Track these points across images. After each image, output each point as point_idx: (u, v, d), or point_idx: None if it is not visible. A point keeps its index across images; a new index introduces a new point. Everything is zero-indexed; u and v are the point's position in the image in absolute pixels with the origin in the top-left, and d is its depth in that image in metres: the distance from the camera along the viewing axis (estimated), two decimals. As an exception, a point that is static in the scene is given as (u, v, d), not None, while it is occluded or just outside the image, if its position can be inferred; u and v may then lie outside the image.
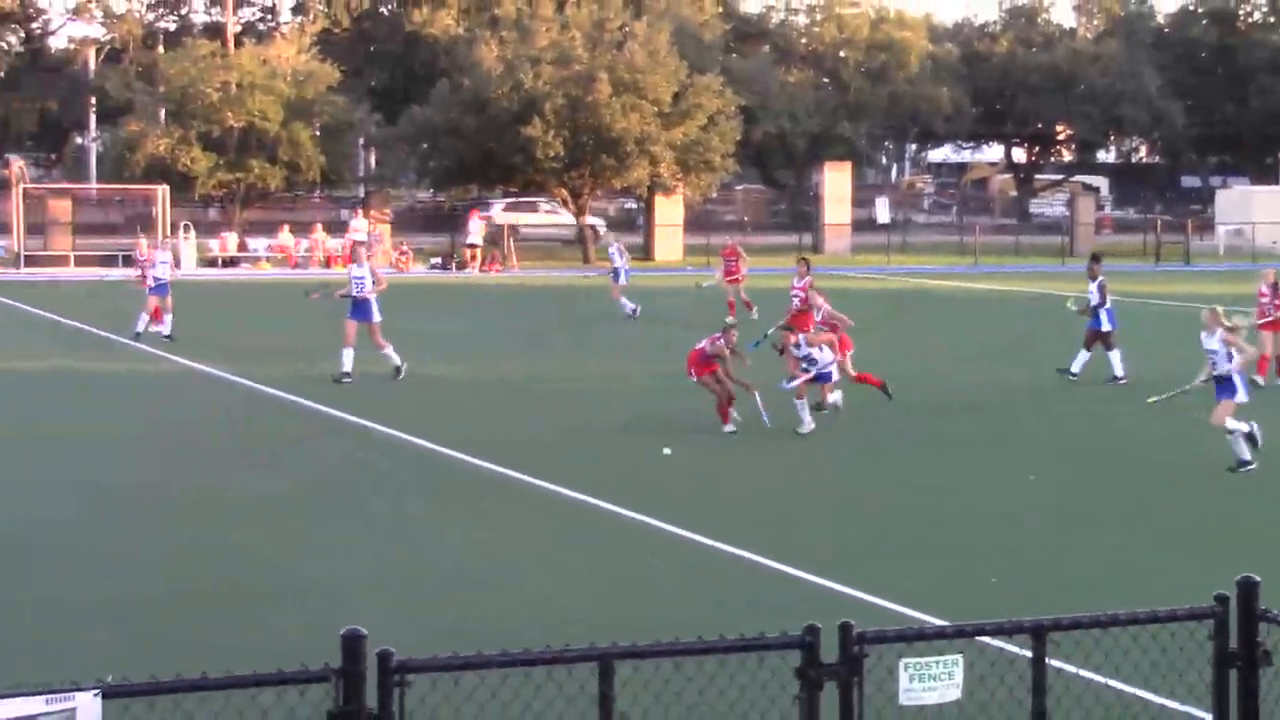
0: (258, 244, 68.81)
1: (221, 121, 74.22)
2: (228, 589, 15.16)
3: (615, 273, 44.72)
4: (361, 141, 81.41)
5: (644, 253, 68.14)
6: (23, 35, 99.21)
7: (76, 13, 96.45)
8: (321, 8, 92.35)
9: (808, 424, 23.72)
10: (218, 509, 18.77)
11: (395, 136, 78.26)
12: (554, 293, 55.18)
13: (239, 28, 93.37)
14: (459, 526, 18.31)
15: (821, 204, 77.99)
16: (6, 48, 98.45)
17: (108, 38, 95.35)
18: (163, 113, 78.22)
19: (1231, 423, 21.29)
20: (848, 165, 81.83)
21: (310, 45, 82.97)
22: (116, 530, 17.77)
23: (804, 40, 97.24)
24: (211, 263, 65.83)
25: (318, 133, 77.21)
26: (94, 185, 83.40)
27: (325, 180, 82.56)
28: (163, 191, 68.24)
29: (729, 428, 23.65)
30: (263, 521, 18.22)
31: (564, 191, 73.75)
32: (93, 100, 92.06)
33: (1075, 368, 30.01)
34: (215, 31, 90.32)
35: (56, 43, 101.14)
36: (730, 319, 26.87)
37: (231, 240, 68.57)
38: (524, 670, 7.40)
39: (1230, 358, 21.39)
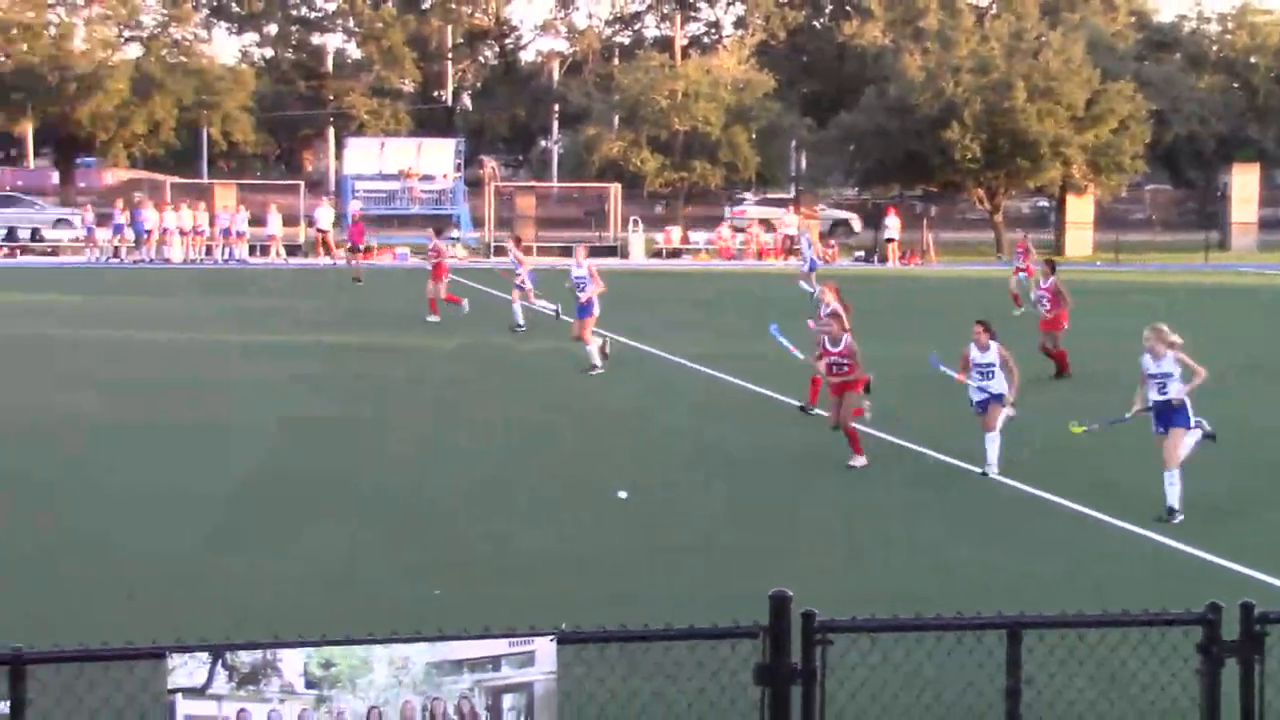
0: (698, 237, 69.74)
1: (669, 126, 75.59)
2: (681, 545, 15.36)
3: (810, 263, 44.66)
4: (793, 144, 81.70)
5: (1055, 249, 66.72)
6: (497, 50, 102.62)
7: (544, 29, 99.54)
8: (760, 22, 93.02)
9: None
10: (697, 475, 19.03)
11: (825, 139, 78.38)
12: (963, 285, 54.37)
13: (686, 41, 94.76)
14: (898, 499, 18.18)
15: (1229, 203, 75.62)
16: (483, 61, 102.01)
17: (570, 51, 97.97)
18: (616, 118, 79.91)
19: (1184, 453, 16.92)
20: (1256, 166, 78.99)
21: (749, 57, 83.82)
22: (582, 491, 18.13)
23: (1215, 47, 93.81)
24: (657, 254, 66.96)
25: (754, 136, 77.87)
26: (555, 184, 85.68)
27: (760, 180, 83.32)
28: (615, 189, 69.80)
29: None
30: (717, 489, 18.41)
31: (980, 190, 72.97)
32: (556, 107, 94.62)
33: None
34: (665, 45, 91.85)
35: (526, 56, 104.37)
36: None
37: (675, 234, 69.62)
38: (935, 634, 7.35)
39: (1183, 381, 16.81)
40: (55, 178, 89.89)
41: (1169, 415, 16.79)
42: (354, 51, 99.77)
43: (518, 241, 39.68)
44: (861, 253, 67.73)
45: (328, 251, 60.25)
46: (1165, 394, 16.77)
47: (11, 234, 64.51)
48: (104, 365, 29.03)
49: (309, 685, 6.28)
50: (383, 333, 34.94)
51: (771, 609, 6.72)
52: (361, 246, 52.67)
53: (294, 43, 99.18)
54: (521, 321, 34.92)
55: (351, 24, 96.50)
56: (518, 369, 29.61)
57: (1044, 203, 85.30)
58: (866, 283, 48.26)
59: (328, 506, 16.90)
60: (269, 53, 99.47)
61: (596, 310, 29.05)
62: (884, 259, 65.12)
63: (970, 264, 65.21)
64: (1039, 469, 19.25)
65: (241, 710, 6.23)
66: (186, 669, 6.19)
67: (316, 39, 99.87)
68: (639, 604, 12.47)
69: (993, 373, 19.30)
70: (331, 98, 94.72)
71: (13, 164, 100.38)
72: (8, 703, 6.26)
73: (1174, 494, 16.58)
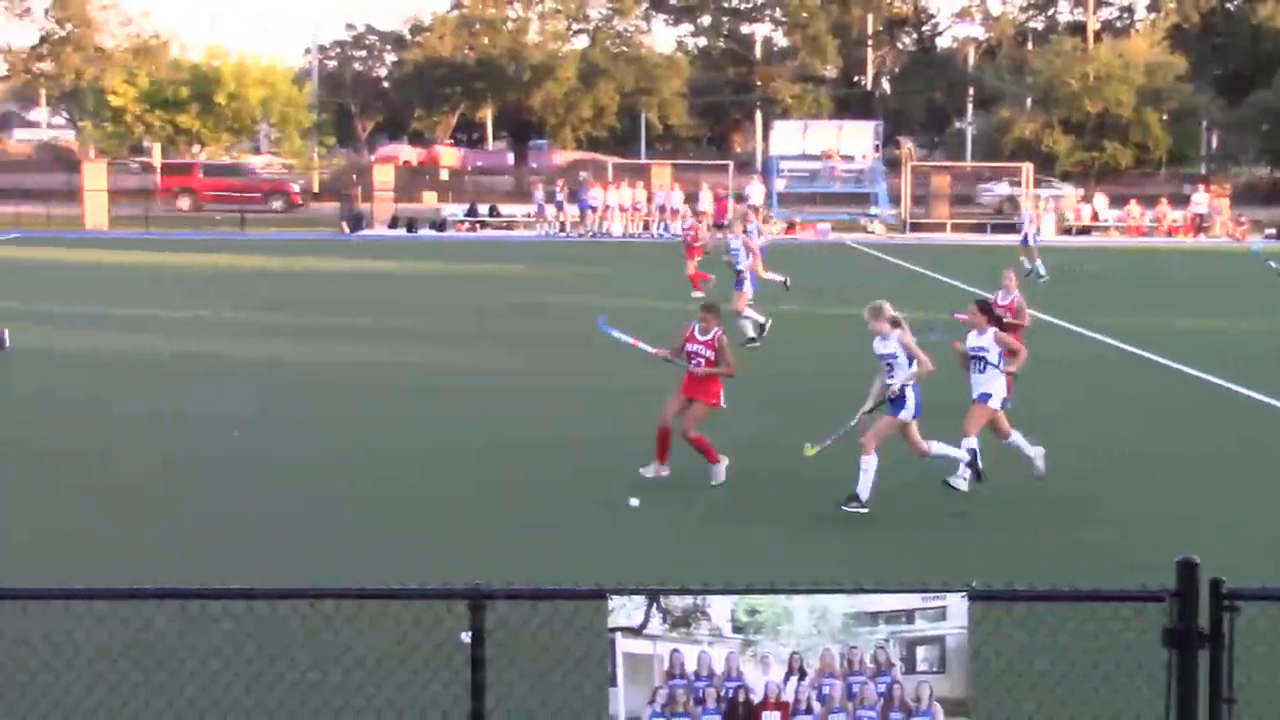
0: (1108, 215, 67.68)
1: (1081, 108, 73.62)
2: (1084, 509, 15.01)
3: (1025, 238, 42.64)
4: (1205, 124, 78.53)
5: None
6: (915, 36, 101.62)
7: (961, 15, 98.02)
8: (1173, 4, 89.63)
9: None
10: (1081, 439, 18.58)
11: (1238, 119, 75.05)
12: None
13: (1098, 25, 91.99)
14: None
15: None
16: (901, 47, 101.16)
17: (986, 37, 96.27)
18: (1029, 101, 78.22)
19: (939, 446, 14.81)
20: None
21: (1161, 39, 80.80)
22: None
23: None
24: (1066, 231, 65.29)
25: (1165, 117, 75.14)
26: (968, 163, 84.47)
27: (1170, 159, 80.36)
28: (1026, 169, 68.35)
29: None
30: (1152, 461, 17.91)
31: None
32: (970, 91, 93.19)
33: None
34: (1077, 29, 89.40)
35: (942, 42, 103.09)
36: None
37: (1085, 211, 67.73)
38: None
39: (910, 364, 14.38)
40: (510, 159, 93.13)
41: (890, 403, 14.48)
42: (781, 40, 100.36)
43: (755, 212, 39.24)
44: (1273, 230, 64.57)
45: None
46: (891, 379, 14.48)
47: (472, 210, 67.15)
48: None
49: (735, 630, 6.36)
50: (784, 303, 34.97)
51: (1179, 574, 6.49)
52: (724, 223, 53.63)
53: (725, 32, 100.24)
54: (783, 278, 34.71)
55: (779, 14, 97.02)
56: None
57: None
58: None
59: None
60: (702, 42, 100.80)
61: (750, 284, 28.16)
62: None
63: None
64: None
65: (674, 651, 6.34)
66: (625, 610, 6.34)
67: (746, 29, 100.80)
68: (1039, 564, 12.21)
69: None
70: (759, 83, 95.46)
71: (474, 147, 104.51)
72: (469, 633, 6.53)
73: (959, 478, 15.06)
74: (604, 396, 21.51)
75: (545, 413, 20.33)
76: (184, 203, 70.37)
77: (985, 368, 15.39)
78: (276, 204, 70.55)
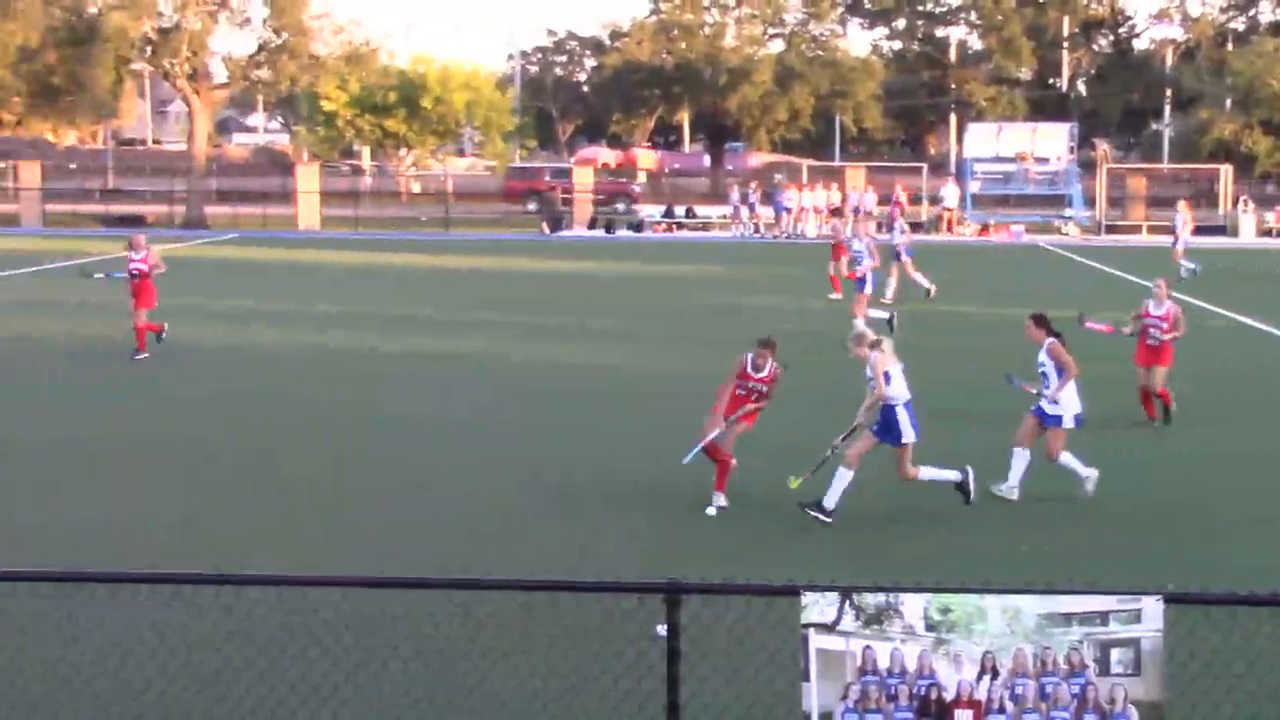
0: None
1: (1281, 109, 71.54)
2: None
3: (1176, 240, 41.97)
4: None
5: None
6: (1111, 39, 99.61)
7: (1159, 17, 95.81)
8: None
9: None
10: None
11: None
12: None
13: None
14: None
15: None
16: (1097, 49, 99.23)
17: (1185, 38, 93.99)
18: (1228, 102, 76.23)
19: (929, 471, 14.22)
20: None
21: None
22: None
23: None
24: (1266, 233, 63.50)
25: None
26: (1165, 165, 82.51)
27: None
28: (1225, 170, 66.66)
29: None
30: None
31: None
32: (1168, 92, 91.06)
33: None
34: (1279, 29, 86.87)
35: (1139, 44, 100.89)
36: None
37: (1288, 213, 65.83)
38: None
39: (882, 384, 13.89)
40: (706, 161, 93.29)
41: (883, 431, 13.93)
42: (975, 43, 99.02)
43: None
44: None
45: (948, 228, 61.36)
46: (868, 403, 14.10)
47: (669, 211, 67.41)
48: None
49: (928, 628, 6.32)
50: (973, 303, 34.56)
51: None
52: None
53: (920, 35, 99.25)
54: (928, 285, 34.44)
55: (974, 17, 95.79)
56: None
57: None
58: None
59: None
60: (897, 45, 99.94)
61: (870, 287, 28.32)
62: None
63: None
64: None
65: (866, 647, 6.33)
66: (818, 606, 6.34)
67: (940, 32, 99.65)
68: (1231, 568, 11.92)
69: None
70: (953, 86, 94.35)
71: (671, 149, 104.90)
72: (664, 627, 6.58)
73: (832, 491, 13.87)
74: (800, 397, 21.44)
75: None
76: (532, 205, 71.32)
77: (1047, 384, 14.82)
78: (619, 205, 71.18)
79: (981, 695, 6.31)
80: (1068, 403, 14.75)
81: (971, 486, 14.31)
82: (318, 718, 8.68)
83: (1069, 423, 14.77)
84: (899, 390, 13.88)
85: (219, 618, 9.96)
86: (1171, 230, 45.11)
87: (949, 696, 6.32)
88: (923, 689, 6.32)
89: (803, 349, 21.70)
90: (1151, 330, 18.93)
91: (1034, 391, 15.10)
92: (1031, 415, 14.91)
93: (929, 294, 34.31)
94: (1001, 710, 6.31)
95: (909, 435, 13.89)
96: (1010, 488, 14.75)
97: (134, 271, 24.74)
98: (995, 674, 6.30)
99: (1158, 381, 18.73)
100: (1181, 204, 46.23)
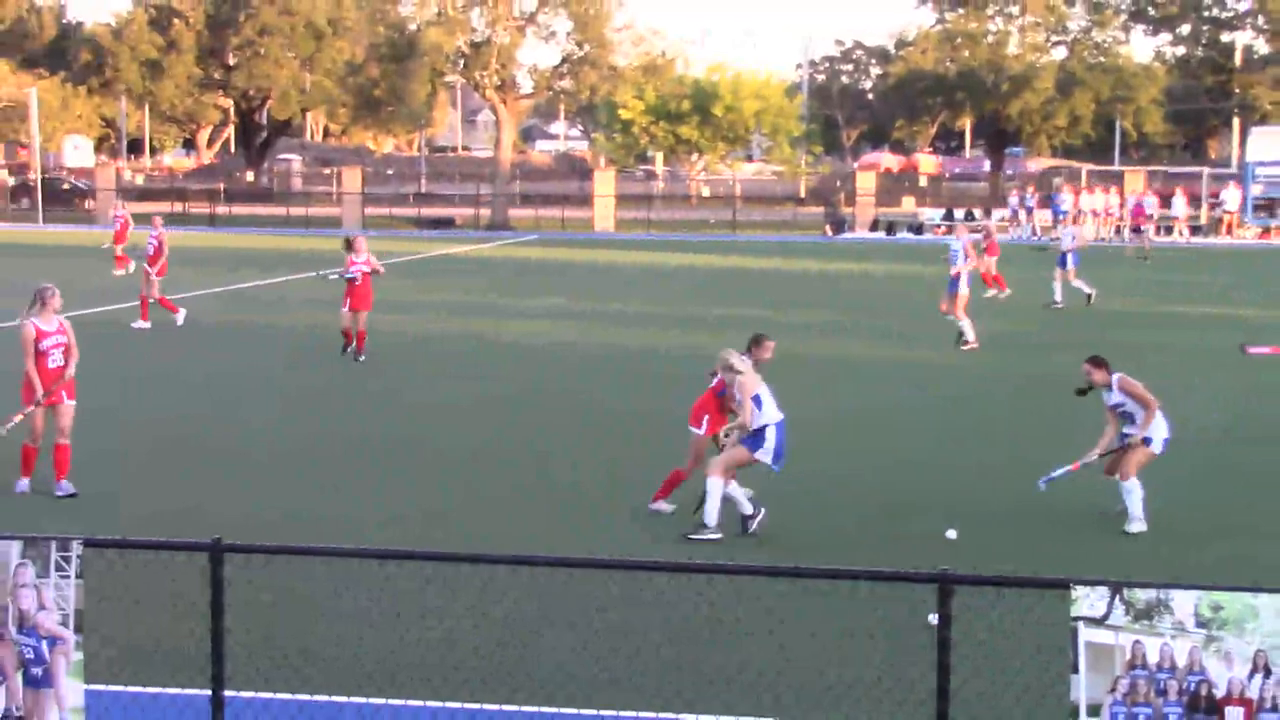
0: None
1: None
2: None
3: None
4: None
5: None
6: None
7: None
8: None
9: None
10: None
11: None
12: None
13: None
14: None
15: None
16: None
17: None
18: None
19: (736, 490, 13.11)
20: None
21: None
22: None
23: None
24: None
25: None
26: None
27: None
28: None
29: None
30: None
31: None
32: None
33: None
34: None
35: None
36: None
37: None
38: None
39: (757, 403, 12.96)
40: (986, 166, 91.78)
41: (750, 437, 12.99)
42: (1262, 47, 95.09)
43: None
44: None
45: (1228, 231, 59.41)
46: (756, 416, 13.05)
47: (949, 214, 66.57)
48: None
49: (1199, 625, 6.14)
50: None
51: None
52: (1142, 228, 51.83)
53: (1204, 41, 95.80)
54: (1059, 299, 33.24)
55: (1261, 21, 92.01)
56: None
57: None
58: None
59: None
60: (1180, 51, 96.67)
61: (965, 287, 26.53)
62: None
63: None
64: None
65: (1136, 642, 6.18)
66: (1089, 600, 6.22)
67: (1226, 36, 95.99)
68: None
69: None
70: (1237, 90, 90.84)
71: (952, 154, 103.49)
72: (936, 616, 6.52)
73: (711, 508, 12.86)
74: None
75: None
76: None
77: (1134, 419, 13.55)
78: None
79: (1254, 693, 6.11)
80: (1156, 428, 13.58)
81: (754, 525, 13.18)
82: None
83: (1157, 447, 13.54)
84: (770, 413, 13.09)
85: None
86: None
87: (1219, 693, 6.13)
88: (1192, 685, 6.15)
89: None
90: None
91: (1073, 469, 13.74)
92: (1144, 445, 13.47)
93: (1090, 299, 33.24)
94: (1274, 709, 6.10)
95: (764, 456, 13.03)
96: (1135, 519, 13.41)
97: (355, 273, 24.23)
98: (1268, 673, 6.10)
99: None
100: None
